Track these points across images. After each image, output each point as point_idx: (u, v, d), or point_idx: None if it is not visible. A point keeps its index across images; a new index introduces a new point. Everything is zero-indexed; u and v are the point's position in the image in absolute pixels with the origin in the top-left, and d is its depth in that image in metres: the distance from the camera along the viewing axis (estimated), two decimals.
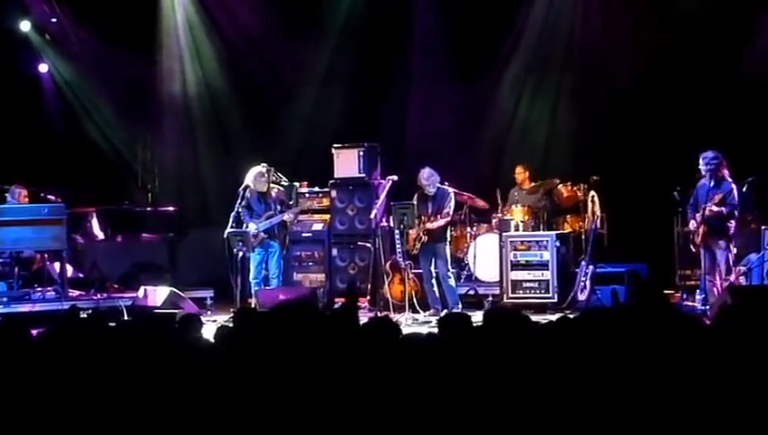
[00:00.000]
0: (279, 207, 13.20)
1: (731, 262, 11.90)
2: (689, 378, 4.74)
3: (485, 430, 4.56)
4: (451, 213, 13.18)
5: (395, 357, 4.99)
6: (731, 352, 4.95)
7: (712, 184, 11.90)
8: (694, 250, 12.26)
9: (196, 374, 4.94)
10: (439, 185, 13.16)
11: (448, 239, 13.30)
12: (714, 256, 12.00)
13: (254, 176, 13.16)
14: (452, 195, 13.20)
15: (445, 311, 12.81)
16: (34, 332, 5.84)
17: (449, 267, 13.15)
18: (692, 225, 12.11)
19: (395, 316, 12.69)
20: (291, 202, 13.68)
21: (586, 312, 7.86)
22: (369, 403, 4.66)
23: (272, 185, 13.34)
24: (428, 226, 12.97)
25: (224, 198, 14.81)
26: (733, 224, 11.89)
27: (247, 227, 13.03)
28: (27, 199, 14.33)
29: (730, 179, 11.89)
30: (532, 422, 4.56)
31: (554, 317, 6.49)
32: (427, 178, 13.03)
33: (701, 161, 11.90)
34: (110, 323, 7.09)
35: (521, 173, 14.70)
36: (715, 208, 11.76)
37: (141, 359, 5.08)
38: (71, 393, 4.87)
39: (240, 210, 13.08)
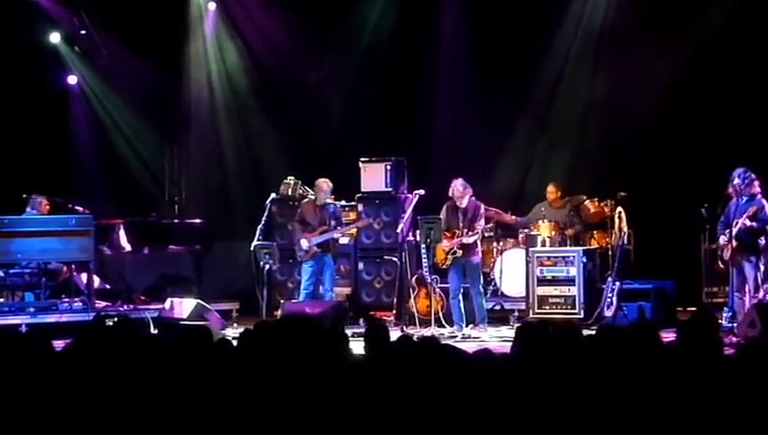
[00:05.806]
0: (333, 223, 13.25)
1: (759, 279, 11.80)
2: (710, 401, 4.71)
3: None
4: (481, 228, 12.93)
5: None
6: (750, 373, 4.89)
7: (743, 200, 11.82)
8: (722, 266, 12.17)
9: (218, 383, 4.94)
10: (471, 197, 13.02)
11: (480, 252, 13.19)
12: (743, 273, 11.91)
13: (321, 187, 13.29)
14: (482, 208, 13.05)
15: (471, 326, 12.73)
16: (60, 343, 5.83)
17: (481, 281, 13.06)
18: (722, 240, 12.01)
19: (420, 331, 12.66)
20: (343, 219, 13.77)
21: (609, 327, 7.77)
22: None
23: (328, 200, 13.37)
24: (465, 240, 12.70)
25: (250, 211, 14.87)
26: (763, 241, 11.78)
27: (299, 241, 13.06)
28: (48, 208, 14.37)
29: (761, 196, 11.81)
30: None
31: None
32: (463, 190, 12.80)
33: (733, 178, 11.82)
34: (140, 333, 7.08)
35: (553, 192, 14.61)
36: (747, 222, 11.67)
37: (168, 369, 5.07)
38: (96, 403, 4.86)
39: (292, 225, 13.24)
